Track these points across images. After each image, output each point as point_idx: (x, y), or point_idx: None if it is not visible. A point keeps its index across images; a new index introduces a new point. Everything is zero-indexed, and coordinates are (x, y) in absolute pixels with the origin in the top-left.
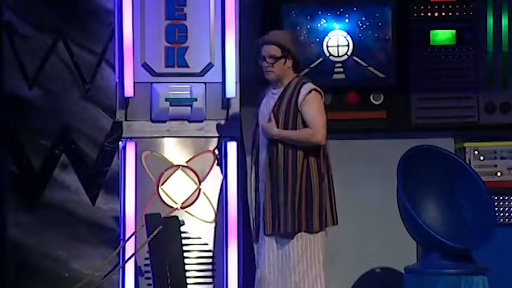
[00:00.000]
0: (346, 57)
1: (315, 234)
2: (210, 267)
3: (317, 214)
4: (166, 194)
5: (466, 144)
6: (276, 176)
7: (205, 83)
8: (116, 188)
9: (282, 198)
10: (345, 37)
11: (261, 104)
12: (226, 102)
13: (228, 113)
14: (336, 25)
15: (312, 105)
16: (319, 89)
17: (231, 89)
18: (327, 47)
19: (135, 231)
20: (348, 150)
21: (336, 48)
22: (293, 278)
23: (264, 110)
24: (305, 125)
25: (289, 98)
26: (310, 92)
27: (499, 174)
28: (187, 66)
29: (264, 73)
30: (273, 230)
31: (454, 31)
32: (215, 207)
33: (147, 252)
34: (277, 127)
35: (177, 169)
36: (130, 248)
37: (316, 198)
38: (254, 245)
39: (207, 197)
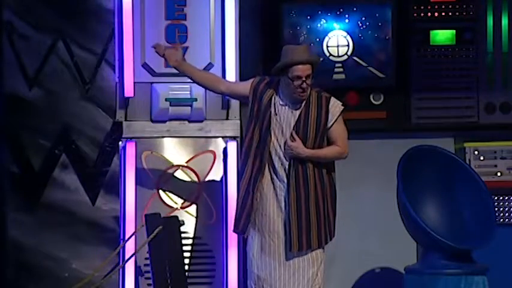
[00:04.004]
0: (346, 57)
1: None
2: (210, 267)
3: (335, 221)
4: (166, 194)
5: (466, 144)
6: (307, 197)
7: None
8: (116, 188)
9: (314, 217)
10: (345, 37)
11: (263, 98)
12: (226, 102)
13: (228, 113)
14: (336, 25)
15: (341, 122)
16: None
17: None
18: (327, 47)
19: (135, 231)
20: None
21: (336, 48)
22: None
23: (281, 121)
24: (331, 140)
25: (317, 116)
26: (340, 109)
27: (499, 174)
28: None
29: (298, 94)
30: (300, 248)
31: (454, 31)
32: (215, 207)
33: (147, 252)
34: (304, 145)
35: (177, 169)
36: (130, 248)
37: (335, 208)
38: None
39: (207, 197)
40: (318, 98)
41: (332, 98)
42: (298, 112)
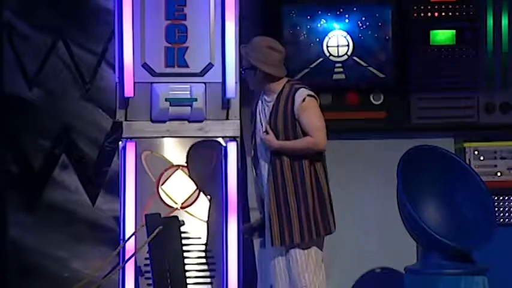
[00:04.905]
0: (346, 57)
1: (319, 237)
2: (210, 267)
3: (327, 216)
4: (166, 194)
5: (466, 144)
6: (285, 190)
7: (205, 83)
8: (116, 188)
9: (295, 210)
10: (345, 37)
11: (256, 108)
12: (226, 102)
13: (228, 113)
14: (336, 25)
15: (309, 112)
16: (313, 94)
17: (231, 89)
18: (327, 47)
19: (135, 231)
20: (347, 150)
21: (336, 48)
22: (302, 283)
23: (259, 117)
24: (305, 132)
25: (284, 107)
26: (304, 99)
27: (499, 174)
28: (187, 66)
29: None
30: (282, 242)
31: (454, 31)
32: (215, 207)
33: (147, 252)
34: (278, 138)
35: (177, 169)
36: (130, 248)
37: (327, 201)
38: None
39: (207, 197)
40: (290, 91)
41: (301, 88)
42: (271, 105)
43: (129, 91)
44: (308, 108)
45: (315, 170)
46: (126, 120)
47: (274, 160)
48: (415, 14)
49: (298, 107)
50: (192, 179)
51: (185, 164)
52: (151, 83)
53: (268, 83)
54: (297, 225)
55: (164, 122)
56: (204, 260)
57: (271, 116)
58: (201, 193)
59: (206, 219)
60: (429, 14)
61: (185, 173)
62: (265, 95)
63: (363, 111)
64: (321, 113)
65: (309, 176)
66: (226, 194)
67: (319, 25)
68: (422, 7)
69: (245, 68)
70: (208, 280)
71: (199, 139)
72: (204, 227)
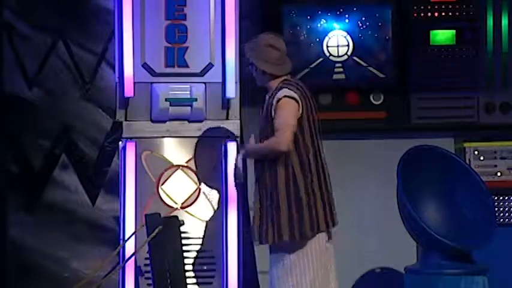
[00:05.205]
0: (346, 57)
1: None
2: (210, 267)
3: (308, 220)
4: (166, 194)
5: (466, 144)
6: (263, 191)
7: (205, 83)
8: (116, 188)
9: (269, 212)
10: (345, 37)
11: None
12: (226, 102)
13: (228, 113)
14: (336, 25)
15: (280, 111)
16: (293, 95)
17: (231, 89)
18: (327, 47)
19: (135, 231)
20: (347, 150)
21: (336, 48)
22: (290, 282)
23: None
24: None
25: (266, 107)
26: (280, 99)
27: (499, 174)
28: (187, 66)
29: None
30: (259, 240)
31: (454, 31)
32: (215, 207)
33: (147, 252)
34: (266, 136)
35: (177, 169)
36: (130, 248)
37: (305, 203)
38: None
39: (207, 197)
40: (276, 89)
41: (283, 88)
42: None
43: (129, 91)
44: (280, 107)
45: (287, 172)
46: (126, 120)
47: (256, 163)
48: (415, 14)
49: (274, 107)
50: (193, 177)
51: (185, 164)
52: (151, 83)
53: (268, 80)
54: (271, 226)
55: (164, 122)
56: (204, 260)
57: (259, 115)
58: (201, 193)
59: (206, 219)
60: (429, 14)
61: (185, 173)
62: (267, 93)
63: (363, 111)
64: (293, 114)
65: (282, 178)
66: (226, 194)
67: (319, 25)
68: (422, 7)
69: (248, 64)
70: (209, 280)
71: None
72: (204, 227)
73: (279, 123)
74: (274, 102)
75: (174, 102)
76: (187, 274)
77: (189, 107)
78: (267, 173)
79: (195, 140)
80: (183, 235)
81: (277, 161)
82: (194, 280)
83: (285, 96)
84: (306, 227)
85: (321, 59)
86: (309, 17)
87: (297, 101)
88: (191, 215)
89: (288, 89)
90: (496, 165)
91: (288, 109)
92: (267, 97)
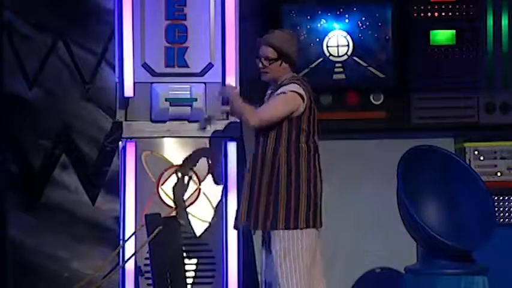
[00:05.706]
0: (346, 57)
1: (300, 231)
2: (210, 267)
3: (303, 211)
4: (166, 194)
5: (466, 144)
6: (260, 174)
7: (205, 83)
8: (116, 188)
9: (264, 195)
10: (345, 37)
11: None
12: (226, 103)
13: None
14: (336, 25)
15: (280, 99)
16: (301, 92)
17: None
18: (327, 47)
19: (135, 231)
20: (347, 150)
21: (336, 48)
22: (279, 279)
23: None
24: (290, 125)
25: (268, 98)
26: (286, 91)
27: (499, 174)
28: (187, 66)
29: (260, 73)
30: (247, 223)
31: (454, 31)
32: (215, 207)
33: (147, 252)
34: (269, 130)
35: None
36: (130, 248)
37: (303, 195)
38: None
39: (207, 197)
40: (282, 83)
41: (291, 84)
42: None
43: (129, 91)
44: (282, 97)
45: (289, 160)
46: (126, 120)
47: (256, 143)
48: (415, 14)
49: (277, 93)
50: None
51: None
52: (151, 83)
53: (283, 74)
54: (263, 212)
55: (164, 122)
56: (204, 260)
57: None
58: (201, 193)
59: (206, 219)
60: (429, 14)
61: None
62: (272, 86)
63: (363, 111)
64: (288, 109)
65: (285, 170)
66: (226, 194)
67: (319, 25)
68: (422, 7)
69: (271, 58)
70: (209, 280)
71: (199, 139)
72: (204, 227)
73: (271, 105)
74: (280, 91)
75: (174, 102)
76: (187, 274)
77: (189, 107)
78: (271, 164)
79: (195, 140)
80: (183, 235)
81: (279, 153)
82: (194, 280)
83: (291, 91)
84: (301, 220)
85: (321, 59)
86: (309, 17)
87: (302, 98)
88: (191, 215)
89: (298, 85)
90: (496, 165)
91: (288, 103)
92: (269, 91)
